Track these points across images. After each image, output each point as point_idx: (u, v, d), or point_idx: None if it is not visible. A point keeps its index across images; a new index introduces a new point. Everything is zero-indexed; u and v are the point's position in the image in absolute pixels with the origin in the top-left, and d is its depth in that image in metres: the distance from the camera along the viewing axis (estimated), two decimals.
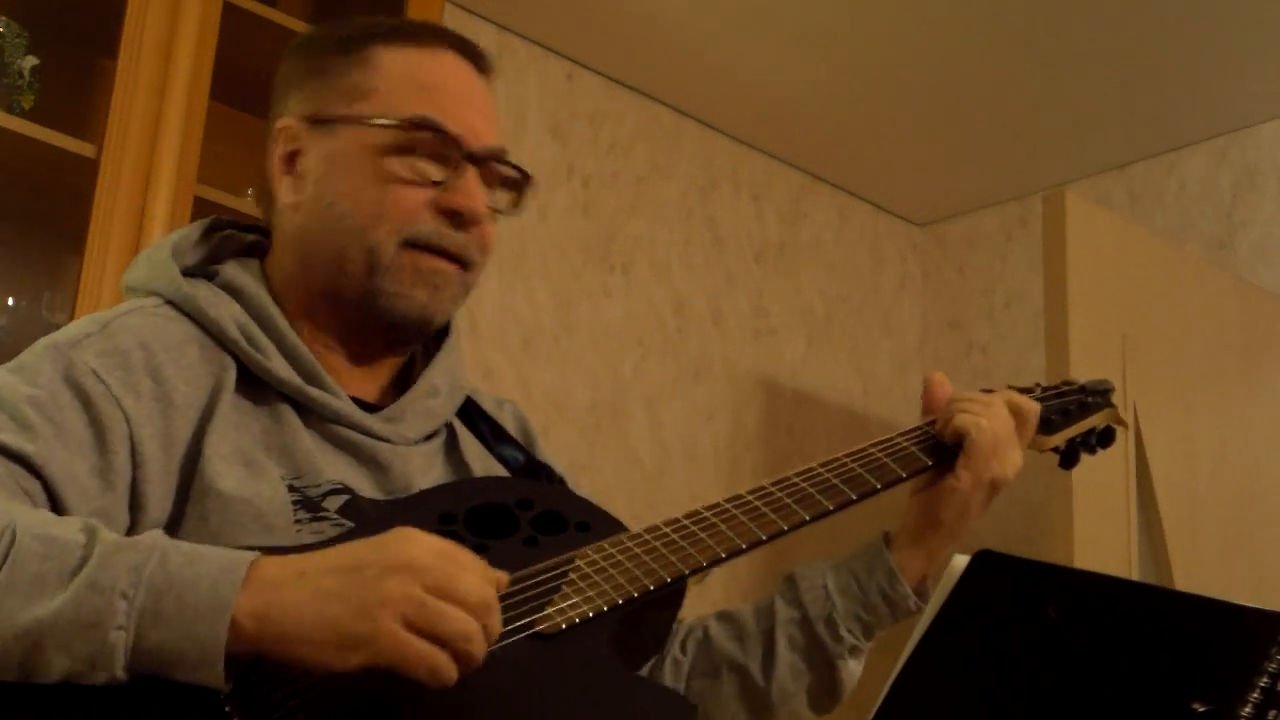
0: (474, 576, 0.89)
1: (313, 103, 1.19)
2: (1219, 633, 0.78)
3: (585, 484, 1.31)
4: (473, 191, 1.16)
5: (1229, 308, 3.18)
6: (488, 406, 1.31)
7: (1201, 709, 0.75)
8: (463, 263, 1.17)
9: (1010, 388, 1.35)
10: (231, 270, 1.18)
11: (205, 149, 2.29)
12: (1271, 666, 0.75)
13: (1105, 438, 1.42)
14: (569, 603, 1.00)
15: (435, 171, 1.15)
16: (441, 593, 0.87)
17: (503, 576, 0.94)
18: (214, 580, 0.86)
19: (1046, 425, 1.34)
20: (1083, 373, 2.75)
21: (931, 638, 0.83)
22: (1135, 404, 2.86)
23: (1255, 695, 0.75)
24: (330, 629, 0.85)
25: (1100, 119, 3.46)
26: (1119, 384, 2.87)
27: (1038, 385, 1.40)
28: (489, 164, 1.19)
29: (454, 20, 3.03)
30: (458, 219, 1.15)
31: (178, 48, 2.27)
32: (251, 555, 0.89)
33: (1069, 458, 1.41)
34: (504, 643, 0.94)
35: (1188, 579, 2.86)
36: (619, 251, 3.41)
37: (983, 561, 0.83)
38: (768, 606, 1.26)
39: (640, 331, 3.41)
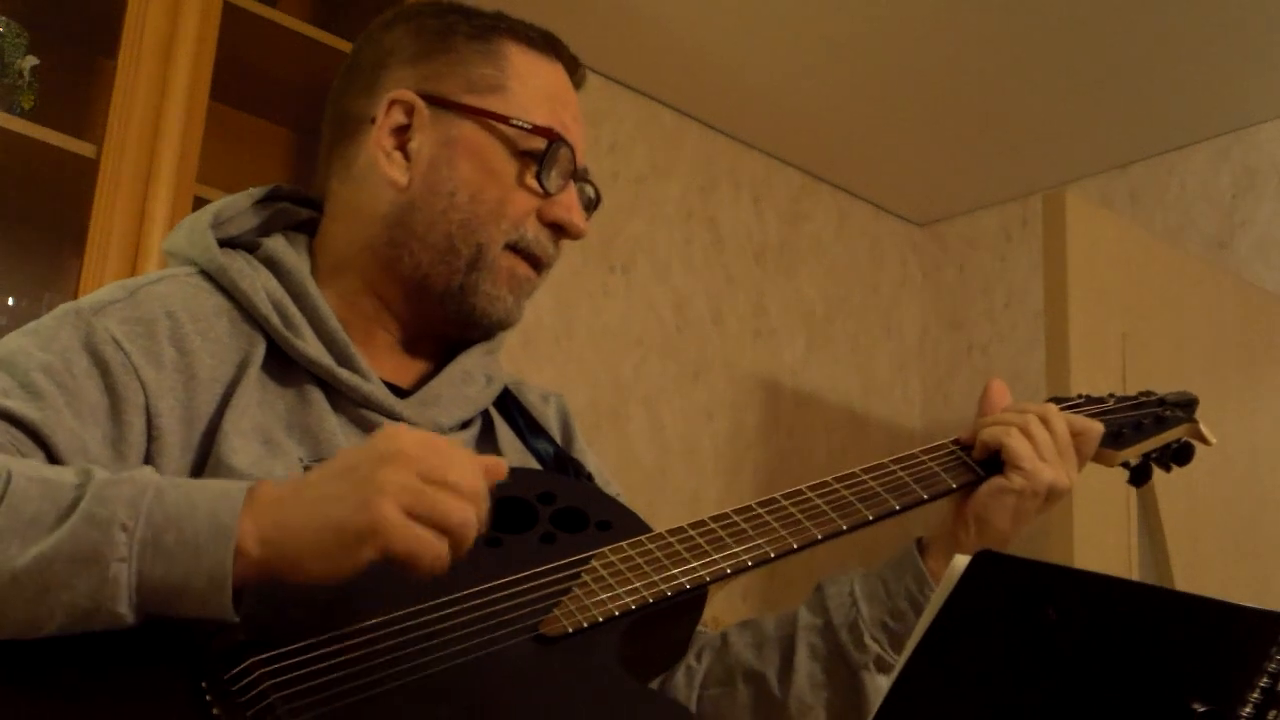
0: (464, 466, 0.88)
1: (434, 81, 1.16)
2: (1219, 633, 0.78)
3: (609, 478, 1.28)
4: (578, 210, 1.19)
5: (1229, 308, 3.18)
6: (532, 399, 1.29)
7: (1201, 709, 0.75)
8: (541, 275, 1.20)
9: (1084, 396, 1.29)
10: (275, 243, 1.16)
11: (205, 149, 2.29)
12: (1271, 666, 0.75)
13: (1181, 455, 1.32)
14: (578, 605, 0.97)
15: (550, 183, 1.16)
16: (436, 481, 0.86)
17: (500, 464, 0.93)
18: (212, 509, 0.85)
19: (1116, 439, 1.25)
20: (1082, 372, 2.76)
21: (931, 638, 0.83)
22: None
23: (1255, 695, 0.75)
24: (334, 531, 0.85)
25: (1100, 119, 3.46)
26: (1119, 384, 2.88)
27: (1111, 395, 1.31)
28: (583, 182, 1.22)
29: None
30: (559, 232, 1.18)
31: (178, 48, 2.27)
32: (248, 483, 0.88)
33: (1140, 474, 1.31)
34: (506, 644, 0.92)
35: (1188, 579, 2.86)
36: (619, 251, 3.41)
37: (983, 561, 0.83)
38: (791, 613, 1.20)
39: (640, 331, 3.41)
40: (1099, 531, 2.72)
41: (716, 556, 1.03)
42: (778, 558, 1.05)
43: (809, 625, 1.17)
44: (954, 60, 3.27)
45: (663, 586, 0.99)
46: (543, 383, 3.26)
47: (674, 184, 3.56)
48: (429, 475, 0.86)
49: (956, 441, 1.21)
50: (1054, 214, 2.84)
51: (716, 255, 3.62)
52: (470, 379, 1.20)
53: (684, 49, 3.30)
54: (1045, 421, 1.18)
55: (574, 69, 1.23)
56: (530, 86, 1.17)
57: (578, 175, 1.20)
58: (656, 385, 3.41)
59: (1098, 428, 1.21)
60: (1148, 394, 1.33)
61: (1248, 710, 0.74)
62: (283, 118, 2.71)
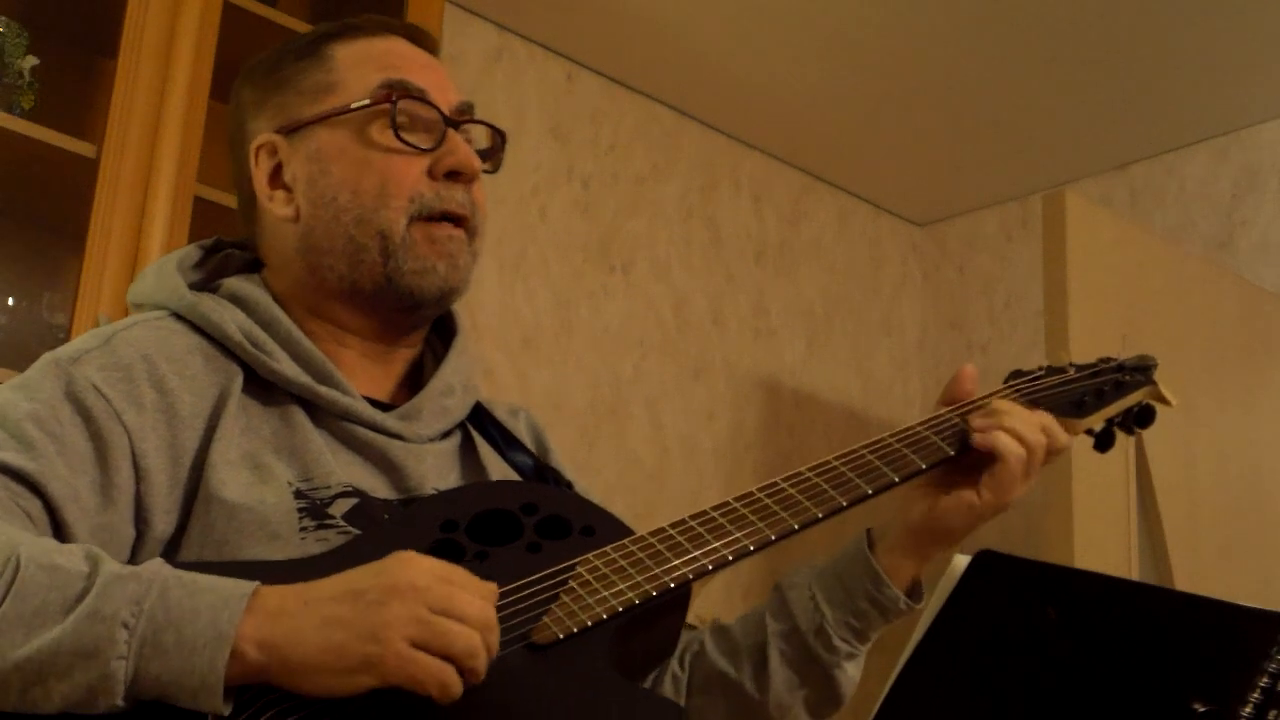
0: (472, 595, 0.90)
1: (282, 114, 1.21)
2: (1219, 633, 0.78)
3: (584, 484, 1.30)
4: (463, 149, 1.18)
5: (1229, 308, 3.18)
6: (500, 414, 1.30)
7: (1202, 709, 0.75)
8: (468, 228, 1.19)
9: (1045, 367, 1.30)
10: (234, 282, 1.19)
11: (205, 149, 2.29)
12: (1271, 666, 0.75)
13: (1143, 417, 1.33)
14: (566, 611, 0.99)
15: (422, 140, 1.16)
16: (444, 611, 0.88)
17: (493, 588, 0.94)
18: (214, 613, 0.87)
19: (1079, 408, 1.28)
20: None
21: (931, 638, 0.83)
22: None
23: (1255, 695, 0.75)
24: (337, 654, 0.87)
25: (1100, 119, 3.46)
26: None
27: (1071, 365, 1.32)
28: (465, 126, 1.20)
29: (454, 20, 3.03)
30: (456, 178, 1.17)
31: (178, 48, 2.27)
32: (252, 585, 0.89)
33: (1104, 440, 1.33)
34: (499, 654, 0.93)
35: (1188, 579, 2.86)
36: (619, 251, 3.41)
37: (983, 561, 0.83)
38: (758, 619, 1.23)
39: (640, 331, 3.41)
40: (1099, 531, 2.72)
41: (697, 553, 1.05)
42: (757, 550, 1.07)
43: (777, 631, 1.20)
44: (954, 60, 3.27)
45: (648, 587, 1.01)
46: (543, 382, 3.24)
47: (674, 184, 3.56)
48: (436, 606, 0.88)
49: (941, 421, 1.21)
50: (1054, 214, 2.84)
51: (716, 255, 3.62)
52: (451, 390, 1.22)
53: (684, 49, 3.30)
54: (1047, 435, 1.20)
55: (417, 38, 1.24)
56: (359, 69, 1.19)
57: (455, 117, 1.19)
58: (656, 385, 3.41)
59: (1065, 441, 1.23)
60: (1106, 360, 1.34)
61: (1248, 710, 0.74)
62: None
